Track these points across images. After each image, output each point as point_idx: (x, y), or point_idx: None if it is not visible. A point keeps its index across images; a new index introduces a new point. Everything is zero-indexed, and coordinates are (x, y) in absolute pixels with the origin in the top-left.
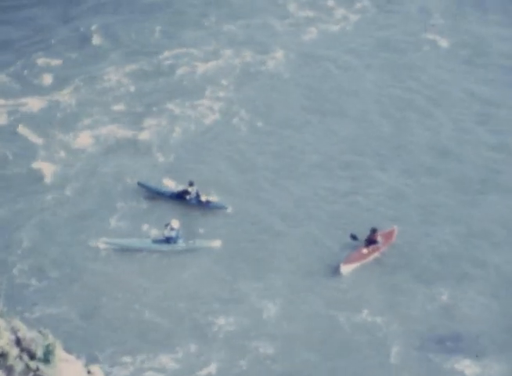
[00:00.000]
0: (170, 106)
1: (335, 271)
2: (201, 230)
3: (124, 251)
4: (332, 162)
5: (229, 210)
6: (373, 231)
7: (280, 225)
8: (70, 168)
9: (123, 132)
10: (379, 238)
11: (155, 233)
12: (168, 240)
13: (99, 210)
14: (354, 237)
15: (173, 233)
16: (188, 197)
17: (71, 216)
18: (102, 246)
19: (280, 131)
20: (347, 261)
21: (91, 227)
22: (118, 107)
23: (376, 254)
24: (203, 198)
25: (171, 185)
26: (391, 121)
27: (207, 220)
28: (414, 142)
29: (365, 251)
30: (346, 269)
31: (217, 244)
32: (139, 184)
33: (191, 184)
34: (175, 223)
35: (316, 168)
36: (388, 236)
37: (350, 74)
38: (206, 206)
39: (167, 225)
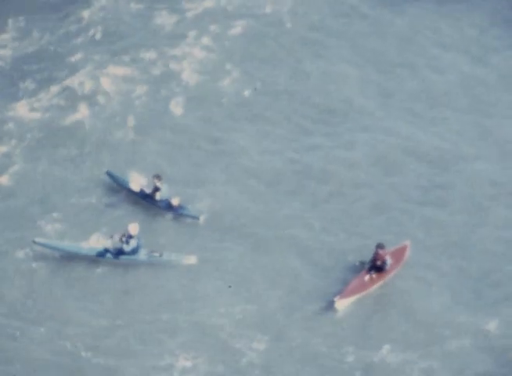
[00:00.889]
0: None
1: (329, 305)
2: (166, 241)
3: (63, 257)
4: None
5: (201, 220)
6: (379, 248)
7: (265, 240)
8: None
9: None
10: (387, 258)
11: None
12: (123, 251)
13: (44, 202)
14: (363, 264)
15: (131, 243)
16: (158, 197)
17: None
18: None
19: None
20: (345, 294)
21: (26, 223)
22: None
23: (382, 282)
24: (175, 202)
25: (136, 181)
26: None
27: (176, 229)
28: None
29: (367, 278)
30: (342, 303)
31: (192, 260)
32: (108, 174)
33: (157, 177)
34: (134, 229)
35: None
36: (399, 254)
37: None
38: (176, 212)
39: (119, 231)
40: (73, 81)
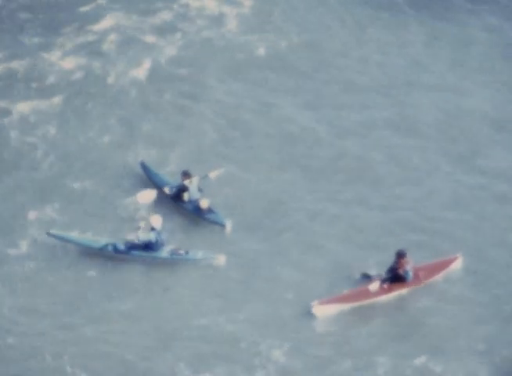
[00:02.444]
0: None
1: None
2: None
3: (79, 252)
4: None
5: (228, 228)
6: (400, 256)
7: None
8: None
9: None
10: (408, 267)
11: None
12: (146, 246)
13: (65, 186)
14: (367, 277)
15: (153, 236)
16: (186, 198)
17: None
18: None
19: None
20: (327, 300)
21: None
22: None
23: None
24: (204, 204)
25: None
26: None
27: (200, 234)
28: None
29: (374, 287)
30: (321, 309)
31: (221, 260)
32: (142, 165)
33: (186, 175)
34: (156, 221)
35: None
36: (437, 268)
37: None
38: (203, 216)
39: (140, 224)
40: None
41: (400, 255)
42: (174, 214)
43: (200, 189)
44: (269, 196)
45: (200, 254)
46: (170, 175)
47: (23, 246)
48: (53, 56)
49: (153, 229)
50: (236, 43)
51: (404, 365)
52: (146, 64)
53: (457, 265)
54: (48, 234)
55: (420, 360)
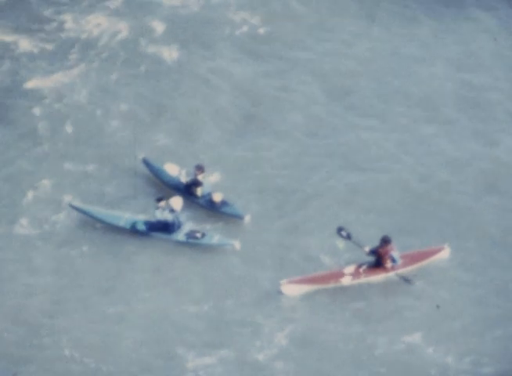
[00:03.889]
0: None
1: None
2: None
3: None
4: None
5: (247, 220)
6: (385, 242)
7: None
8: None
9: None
10: (394, 254)
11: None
12: (163, 227)
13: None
14: (344, 234)
15: (170, 217)
16: (199, 193)
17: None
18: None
19: None
20: (296, 280)
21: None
22: None
23: (368, 279)
24: (217, 198)
25: (174, 171)
26: None
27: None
28: None
29: (349, 270)
30: (289, 289)
31: (236, 245)
32: (145, 162)
33: (200, 169)
34: (177, 203)
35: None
36: (421, 257)
37: None
38: (218, 210)
39: (159, 201)
40: None
41: (385, 241)
42: (188, 208)
43: (212, 184)
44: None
45: (215, 239)
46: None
47: (39, 221)
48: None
49: (172, 210)
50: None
51: (393, 345)
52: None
53: (444, 255)
54: (71, 206)
55: (408, 340)
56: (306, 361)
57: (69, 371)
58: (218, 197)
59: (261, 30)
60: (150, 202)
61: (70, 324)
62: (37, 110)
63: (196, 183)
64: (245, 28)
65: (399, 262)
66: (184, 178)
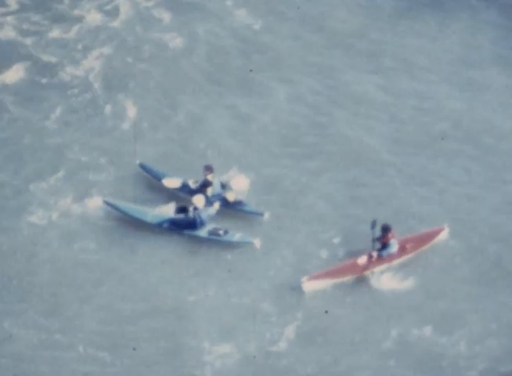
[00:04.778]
0: None
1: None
2: None
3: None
4: None
5: (266, 216)
6: (385, 231)
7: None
8: None
9: None
10: (392, 242)
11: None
12: (187, 224)
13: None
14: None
15: (192, 214)
16: (209, 193)
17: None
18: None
19: None
20: (316, 275)
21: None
22: None
23: (381, 266)
24: (230, 197)
25: (175, 184)
26: None
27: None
28: None
29: (362, 260)
30: (311, 285)
31: (256, 243)
32: (142, 167)
33: (209, 169)
34: (198, 201)
35: None
36: (423, 239)
37: None
38: (235, 208)
39: (179, 211)
40: None
41: (385, 229)
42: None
43: (222, 184)
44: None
45: (237, 237)
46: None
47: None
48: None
49: (195, 208)
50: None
51: (405, 336)
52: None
53: (444, 235)
54: (105, 202)
55: (419, 332)
56: (318, 353)
57: (81, 366)
58: (231, 196)
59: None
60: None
61: (85, 316)
62: (50, 103)
63: (205, 184)
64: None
65: (388, 252)
66: (192, 184)
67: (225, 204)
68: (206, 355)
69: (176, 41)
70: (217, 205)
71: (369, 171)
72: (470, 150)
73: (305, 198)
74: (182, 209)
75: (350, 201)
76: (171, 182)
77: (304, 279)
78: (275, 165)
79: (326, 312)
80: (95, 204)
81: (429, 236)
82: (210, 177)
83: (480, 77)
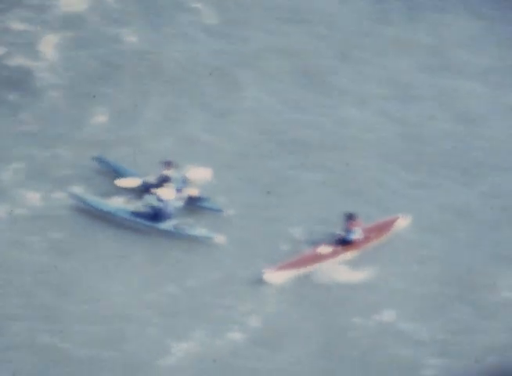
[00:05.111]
0: None
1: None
2: None
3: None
4: None
5: (227, 213)
6: (348, 218)
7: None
8: None
9: None
10: (355, 230)
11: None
12: (152, 216)
13: None
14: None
15: (157, 205)
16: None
17: None
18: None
19: None
20: (279, 267)
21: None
22: None
23: (345, 255)
24: (193, 193)
25: (133, 183)
26: None
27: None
28: None
29: (323, 249)
30: (273, 277)
31: (221, 239)
32: (99, 160)
33: (167, 164)
34: (165, 193)
35: None
36: (382, 228)
37: None
38: (195, 205)
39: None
40: None
41: (349, 217)
42: None
43: (184, 179)
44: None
45: (201, 232)
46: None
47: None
48: None
49: (160, 199)
50: None
51: (362, 325)
52: None
53: (402, 225)
54: (70, 194)
55: (375, 318)
56: (280, 346)
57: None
58: (193, 192)
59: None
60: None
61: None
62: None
63: (164, 179)
64: None
65: (354, 239)
66: (151, 180)
67: (188, 199)
68: (161, 355)
69: (146, 39)
70: (182, 199)
71: (339, 169)
72: None
73: (271, 195)
74: (149, 201)
75: (320, 196)
76: (127, 182)
77: (266, 270)
78: (243, 163)
79: (288, 305)
80: (59, 196)
81: (387, 225)
82: (169, 172)
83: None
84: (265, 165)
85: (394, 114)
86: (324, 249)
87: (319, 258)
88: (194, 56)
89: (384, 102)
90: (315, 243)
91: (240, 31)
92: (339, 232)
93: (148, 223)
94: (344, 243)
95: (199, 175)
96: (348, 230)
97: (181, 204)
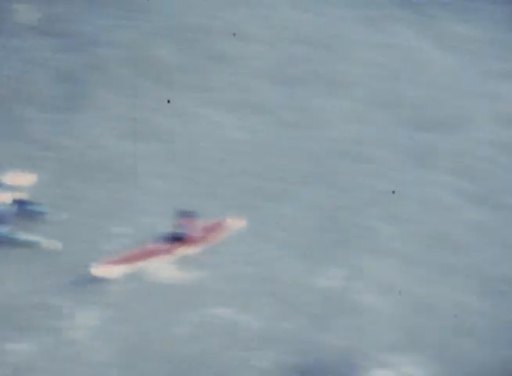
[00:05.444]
0: None
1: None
2: None
3: None
4: None
5: (51, 217)
6: (182, 216)
7: None
8: None
9: None
10: (186, 227)
11: None
12: None
13: None
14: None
15: None
16: None
17: None
18: None
19: None
20: (108, 261)
21: None
22: None
23: (177, 252)
24: (15, 196)
25: None
26: None
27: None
28: None
29: (162, 246)
30: (104, 270)
31: (57, 245)
32: None
33: None
34: (12, 179)
35: None
36: (216, 228)
37: None
38: (20, 209)
39: None
40: None
41: (182, 215)
42: None
43: (3, 184)
44: None
45: (37, 238)
46: None
47: None
48: None
49: None
50: None
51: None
52: None
53: (236, 225)
54: None
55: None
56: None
57: None
58: (16, 196)
59: None
60: None
61: None
62: None
63: None
64: None
65: (186, 237)
66: None
67: (15, 204)
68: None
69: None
70: (13, 205)
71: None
72: None
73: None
74: None
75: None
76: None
77: (94, 265)
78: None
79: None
80: None
81: (221, 226)
82: None
83: None
84: None
85: None
86: (154, 245)
87: (150, 254)
88: None
89: None
90: (147, 239)
91: None
92: (171, 228)
93: None
94: (177, 240)
95: (20, 180)
96: (181, 227)
97: (13, 211)
